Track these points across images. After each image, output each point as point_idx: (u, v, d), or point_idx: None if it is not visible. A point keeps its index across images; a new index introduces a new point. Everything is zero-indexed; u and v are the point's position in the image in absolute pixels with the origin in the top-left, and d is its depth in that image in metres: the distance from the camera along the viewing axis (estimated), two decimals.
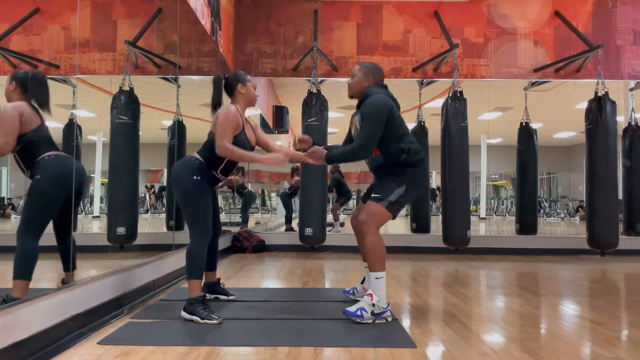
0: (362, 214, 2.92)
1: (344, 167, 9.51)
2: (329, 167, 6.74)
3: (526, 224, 6.93)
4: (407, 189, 2.90)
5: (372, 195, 2.95)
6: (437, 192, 16.28)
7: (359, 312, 2.76)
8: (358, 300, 2.94)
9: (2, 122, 2.54)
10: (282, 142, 13.45)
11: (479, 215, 16.50)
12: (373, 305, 2.76)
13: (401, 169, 2.93)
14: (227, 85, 3.06)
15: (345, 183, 9.54)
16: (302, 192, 5.81)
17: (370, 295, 2.78)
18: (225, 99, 3.10)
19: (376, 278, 2.80)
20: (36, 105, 2.65)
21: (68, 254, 2.73)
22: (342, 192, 9.41)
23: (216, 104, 3.02)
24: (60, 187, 2.63)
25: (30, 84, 2.64)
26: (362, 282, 3.38)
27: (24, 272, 2.45)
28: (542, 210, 17.21)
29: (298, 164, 9.84)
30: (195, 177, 2.88)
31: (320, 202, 5.71)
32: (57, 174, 2.63)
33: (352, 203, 19.49)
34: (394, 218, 2.99)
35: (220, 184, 3.14)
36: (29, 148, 2.59)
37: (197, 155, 2.97)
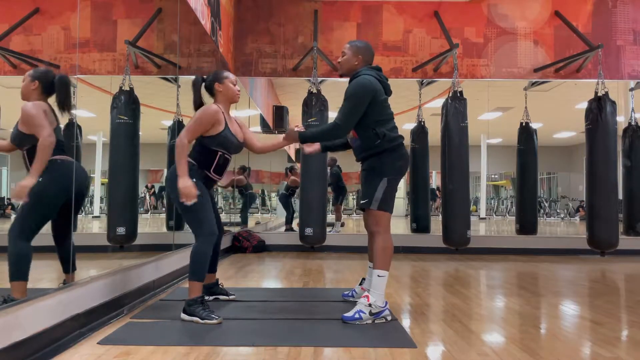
0: (368, 221, 2.99)
1: (344, 167, 9.49)
2: (328, 160, 6.68)
3: (526, 224, 6.93)
4: (390, 180, 2.91)
5: (361, 202, 2.99)
6: (437, 192, 16.28)
7: (357, 315, 2.76)
8: (357, 302, 2.94)
9: (35, 118, 2.52)
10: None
11: (479, 215, 16.51)
12: (370, 305, 2.76)
13: (377, 158, 2.93)
14: (206, 87, 3.06)
15: (342, 178, 9.47)
16: (302, 192, 5.81)
17: (367, 296, 2.78)
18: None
19: (378, 276, 2.81)
20: (53, 108, 2.65)
21: (67, 256, 2.73)
22: (339, 187, 9.34)
23: (198, 106, 3.02)
24: (60, 192, 2.62)
25: (57, 87, 2.64)
26: (361, 284, 3.38)
27: (18, 273, 2.45)
28: (542, 210, 17.21)
29: (294, 165, 9.86)
30: (191, 180, 2.88)
31: (320, 202, 5.71)
32: (59, 178, 2.61)
33: (351, 203, 19.51)
34: (390, 211, 3.01)
35: (223, 184, 3.14)
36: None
37: (188, 158, 2.96)
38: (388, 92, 3.02)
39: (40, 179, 2.56)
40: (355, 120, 2.91)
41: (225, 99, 3.04)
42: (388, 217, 2.94)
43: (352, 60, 3.04)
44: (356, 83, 2.92)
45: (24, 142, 2.59)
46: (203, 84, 3.06)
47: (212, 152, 2.97)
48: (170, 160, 5.22)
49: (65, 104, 2.64)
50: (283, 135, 3.14)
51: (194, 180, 2.86)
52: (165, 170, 5.62)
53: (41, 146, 2.51)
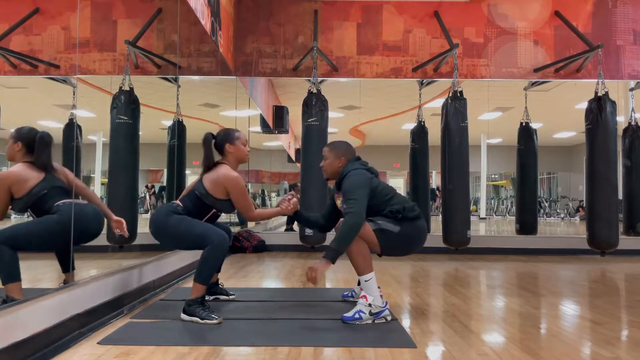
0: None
1: None
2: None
3: (526, 224, 6.93)
4: (401, 232, 2.85)
5: (344, 208, 2.91)
6: (437, 192, 16.28)
7: (357, 315, 2.75)
8: (357, 302, 2.93)
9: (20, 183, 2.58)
10: (282, 142, 13.46)
11: (479, 215, 16.50)
12: (369, 305, 2.76)
13: (396, 221, 2.89)
14: (216, 145, 3.04)
15: None
16: (302, 192, 5.81)
17: (365, 296, 2.78)
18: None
19: (365, 281, 2.80)
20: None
21: (66, 256, 2.73)
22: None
23: (209, 164, 2.98)
24: (61, 234, 2.61)
25: (37, 146, 2.65)
26: (359, 284, 3.37)
27: (9, 276, 2.45)
28: (542, 210, 17.21)
29: (297, 184, 9.85)
30: (176, 215, 2.87)
31: (320, 203, 5.70)
32: (62, 221, 2.60)
33: None
34: (380, 255, 2.94)
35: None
36: (41, 200, 2.60)
37: (179, 203, 2.94)
38: (376, 175, 3.03)
39: (58, 213, 2.60)
40: (365, 205, 2.83)
41: (235, 159, 3.02)
42: (371, 238, 2.87)
43: (336, 163, 3.06)
44: (352, 181, 2.89)
45: (22, 206, 2.63)
46: (213, 141, 3.03)
47: (206, 209, 2.95)
48: (171, 160, 5.23)
49: (43, 164, 2.65)
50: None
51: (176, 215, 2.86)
52: (165, 171, 5.61)
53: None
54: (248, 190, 3.35)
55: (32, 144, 2.66)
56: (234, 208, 3.03)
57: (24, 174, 2.62)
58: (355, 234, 2.75)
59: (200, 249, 2.81)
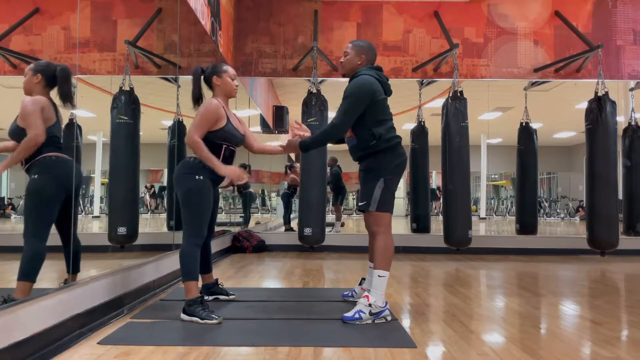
0: (368, 222, 2.97)
1: (345, 168, 9.49)
2: (328, 160, 6.68)
3: (526, 224, 6.93)
4: (387, 180, 2.90)
5: (360, 204, 2.98)
6: (438, 192, 16.28)
7: (357, 315, 2.76)
8: (357, 302, 2.94)
9: (30, 115, 2.53)
10: (282, 142, 13.45)
11: (479, 215, 16.51)
12: (370, 305, 2.76)
13: (373, 158, 2.93)
14: (205, 79, 3.05)
15: (342, 178, 9.47)
16: (301, 192, 5.81)
17: (367, 296, 2.78)
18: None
19: (379, 276, 2.81)
20: (54, 101, 2.65)
21: (75, 256, 2.73)
22: (339, 187, 9.33)
23: (197, 98, 3.01)
24: (58, 189, 2.61)
25: (59, 78, 2.63)
26: (360, 284, 3.38)
27: (29, 274, 2.45)
28: (542, 210, 17.21)
29: (293, 163, 9.84)
30: (197, 177, 2.86)
31: (319, 202, 5.70)
32: (55, 175, 2.61)
33: (351, 203, 19.51)
34: (391, 211, 2.99)
35: (223, 183, 3.12)
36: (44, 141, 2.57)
37: (194, 155, 2.95)
38: (388, 92, 3.01)
39: (35, 177, 2.57)
40: (352, 119, 2.91)
41: (223, 93, 3.02)
42: (388, 217, 2.94)
43: (355, 60, 3.04)
44: (355, 83, 2.92)
45: (22, 137, 2.58)
46: (202, 75, 3.04)
47: (217, 146, 2.94)
48: (171, 160, 5.23)
49: (68, 96, 2.64)
50: (284, 143, 3.13)
51: (201, 177, 2.85)
52: (166, 171, 5.61)
53: (24, 143, 2.52)
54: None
55: (53, 76, 2.63)
56: (240, 133, 3.03)
57: (50, 107, 2.61)
58: (328, 142, 3.11)
59: (183, 224, 2.87)
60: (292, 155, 14.99)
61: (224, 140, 2.96)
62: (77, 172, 2.77)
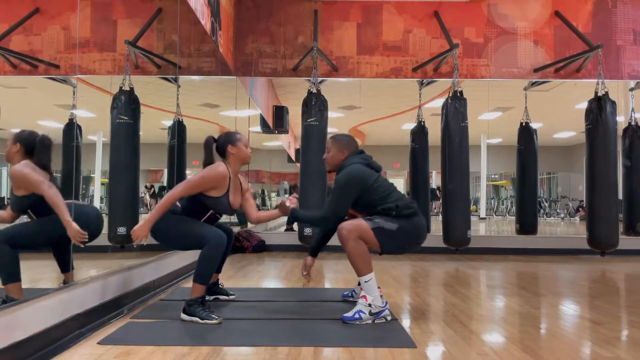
0: (346, 223, 2.86)
1: None
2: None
3: (526, 224, 6.92)
4: (399, 229, 2.85)
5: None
6: (438, 192, 16.29)
7: (356, 315, 2.76)
8: (357, 302, 2.93)
9: (28, 176, 2.56)
10: (282, 142, 13.46)
11: (479, 215, 16.51)
12: (369, 305, 2.76)
13: (393, 218, 2.89)
14: (218, 148, 3.05)
15: None
16: (301, 192, 5.81)
17: (365, 296, 2.78)
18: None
19: (365, 282, 2.80)
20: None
21: (66, 256, 2.73)
22: None
23: (208, 165, 2.99)
24: (57, 230, 2.59)
25: (38, 148, 2.66)
26: (359, 284, 3.37)
27: (9, 276, 2.46)
28: (542, 210, 17.22)
29: (297, 185, 9.85)
30: (174, 215, 2.88)
31: (319, 203, 5.70)
32: (57, 221, 2.58)
33: None
34: (380, 253, 2.93)
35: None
36: (43, 200, 2.55)
37: (177, 203, 2.94)
38: (378, 170, 3.03)
39: (38, 220, 2.62)
40: (344, 209, 2.94)
41: (237, 160, 3.03)
42: (371, 239, 2.86)
43: (339, 156, 3.08)
44: (344, 174, 2.94)
45: (25, 205, 2.62)
46: (215, 144, 3.04)
47: (204, 209, 2.95)
48: (171, 160, 5.23)
49: (45, 166, 2.66)
50: (278, 208, 3.06)
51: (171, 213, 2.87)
52: (165, 171, 5.61)
53: (50, 200, 2.52)
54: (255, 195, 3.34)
55: (32, 146, 2.66)
56: (231, 208, 3.02)
57: (37, 170, 2.62)
58: (315, 227, 2.93)
59: (198, 249, 2.81)
60: (292, 154, 14.99)
61: (213, 208, 2.96)
62: (97, 215, 2.84)
